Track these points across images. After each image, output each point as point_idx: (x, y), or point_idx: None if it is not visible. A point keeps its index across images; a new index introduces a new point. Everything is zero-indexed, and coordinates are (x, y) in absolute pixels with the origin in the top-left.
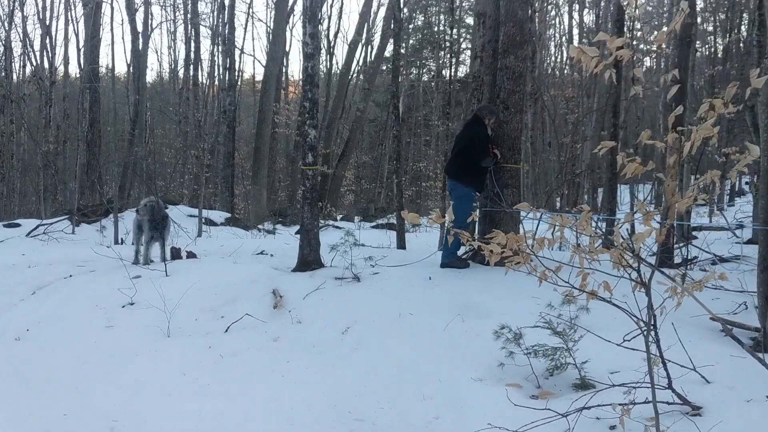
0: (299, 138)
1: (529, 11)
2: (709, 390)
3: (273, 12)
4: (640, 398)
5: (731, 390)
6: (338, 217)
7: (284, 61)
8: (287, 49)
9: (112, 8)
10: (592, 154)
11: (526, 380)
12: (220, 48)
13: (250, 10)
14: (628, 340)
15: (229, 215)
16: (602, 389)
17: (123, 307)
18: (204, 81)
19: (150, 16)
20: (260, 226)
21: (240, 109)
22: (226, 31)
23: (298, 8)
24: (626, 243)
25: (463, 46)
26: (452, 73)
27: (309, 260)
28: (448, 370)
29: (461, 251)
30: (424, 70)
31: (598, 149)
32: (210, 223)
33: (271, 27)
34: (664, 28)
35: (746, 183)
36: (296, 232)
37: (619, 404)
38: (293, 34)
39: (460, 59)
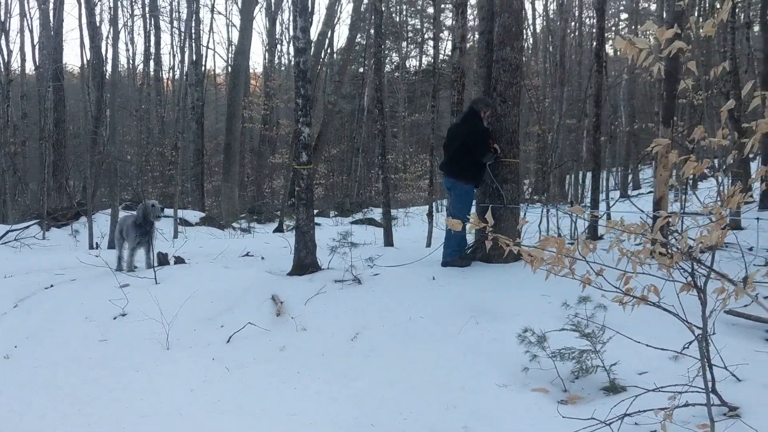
0: (267, 132)
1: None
2: (742, 389)
3: (237, 4)
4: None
5: (766, 388)
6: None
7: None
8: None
9: (80, 3)
10: (564, 143)
11: (551, 384)
12: (186, 42)
13: (213, 3)
14: (687, 347)
15: (203, 215)
16: (640, 393)
17: (115, 318)
18: (167, 76)
19: (110, 10)
20: (235, 225)
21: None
22: (192, 26)
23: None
24: (685, 246)
25: (426, 36)
26: (420, 63)
27: (306, 263)
28: (469, 376)
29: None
30: (387, 60)
31: (651, 147)
32: (185, 223)
33: (238, 19)
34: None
35: (707, 168)
36: (274, 231)
37: (661, 409)
38: (252, 26)
39: (423, 49)
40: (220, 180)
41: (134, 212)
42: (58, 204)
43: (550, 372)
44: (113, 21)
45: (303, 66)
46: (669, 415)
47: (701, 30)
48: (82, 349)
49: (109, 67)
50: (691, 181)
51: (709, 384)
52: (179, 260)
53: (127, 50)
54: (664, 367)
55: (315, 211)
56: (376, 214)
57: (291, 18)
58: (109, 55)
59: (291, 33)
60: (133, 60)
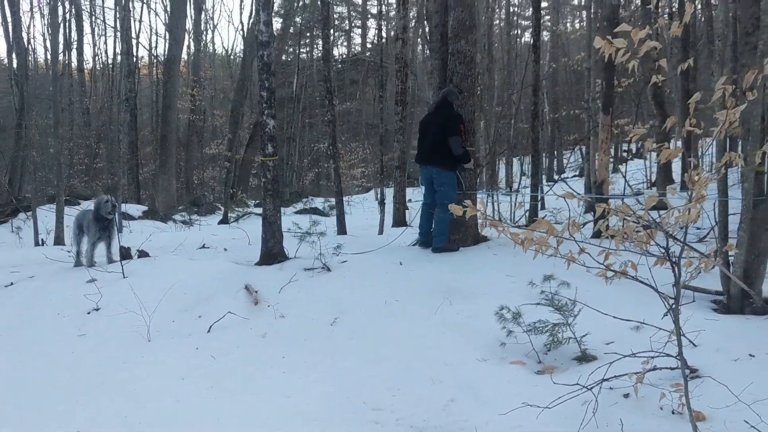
0: (201, 123)
1: None
2: (699, 353)
3: None
4: (637, 366)
5: (718, 351)
6: (252, 203)
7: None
8: None
9: None
10: (496, 131)
11: (527, 357)
12: (116, 32)
13: None
14: (666, 314)
15: (146, 208)
16: (615, 360)
17: (89, 313)
18: (89, 66)
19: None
20: (177, 217)
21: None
22: (122, 15)
23: None
24: (663, 222)
25: (354, 23)
26: (349, 51)
27: (274, 252)
28: (450, 353)
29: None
30: (318, 50)
31: (631, 136)
32: (128, 217)
33: (162, 8)
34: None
35: (624, 151)
36: (219, 222)
37: (635, 373)
38: (186, 15)
39: (350, 37)
40: (152, 172)
41: (91, 207)
42: None
43: (525, 346)
44: (53, 11)
45: (267, 59)
46: (641, 378)
47: (670, 31)
48: (61, 344)
49: (61, 59)
50: (612, 165)
51: (680, 350)
52: (143, 254)
53: (45, 40)
54: (627, 337)
55: (255, 202)
56: (317, 203)
57: (253, 11)
58: (34, 45)
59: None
60: (54, 49)
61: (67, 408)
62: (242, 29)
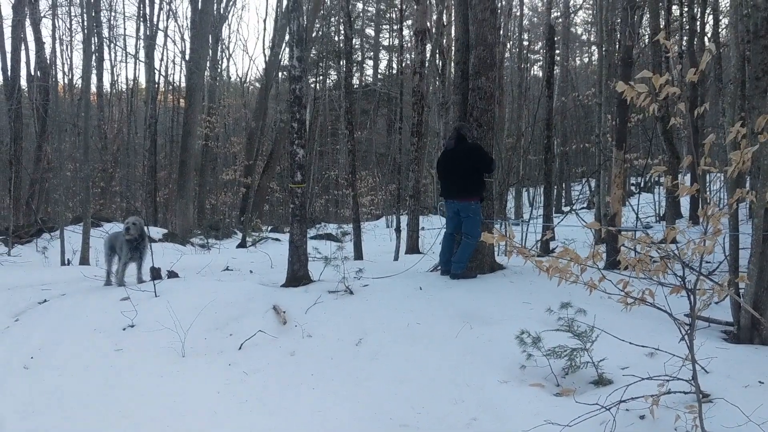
0: (216, 150)
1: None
2: (711, 379)
3: (178, 23)
4: (652, 390)
5: (729, 378)
6: (267, 229)
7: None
8: None
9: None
10: (507, 163)
11: (545, 380)
12: (136, 60)
13: (166, 26)
14: (682, 340)
15: (166, 231)
16: (632, 383)
17: (124, 329)
18: (111, 92)
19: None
20: (194, 241)
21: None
22: (147, 44)
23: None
24: (676, 253)
25: (366, 55)
26: (361, 81)
27: (299, 275)
28: (471, 374)
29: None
30: (330, 80)
31: (653, 172)
32: (150, 239)
33: (185, 36)
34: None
35: (632, 185)
36: (237, 246)
37: (651, 396)
38: (207, 44)
39: (362, 68)
40: (165, 196)
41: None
42: (15, 221)
43: (544, 369)
44: (86, 40)
45: (298, 92)
46: (657, 401)
47: (686, 78)
48: (99, 358)
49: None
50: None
51: (694, 374)
52: (173, 274)
53: (63, 65)
54: (641, 363)
55: (270, 227)
56: (331, 229)
57: (273, 42)
58: (54, 71)
59: (282, 61)
60: (71, 75)
61: (109, 419)
62: (263, 58)
